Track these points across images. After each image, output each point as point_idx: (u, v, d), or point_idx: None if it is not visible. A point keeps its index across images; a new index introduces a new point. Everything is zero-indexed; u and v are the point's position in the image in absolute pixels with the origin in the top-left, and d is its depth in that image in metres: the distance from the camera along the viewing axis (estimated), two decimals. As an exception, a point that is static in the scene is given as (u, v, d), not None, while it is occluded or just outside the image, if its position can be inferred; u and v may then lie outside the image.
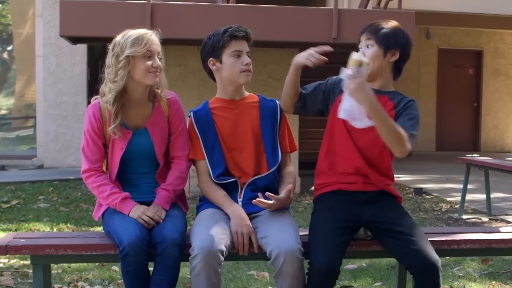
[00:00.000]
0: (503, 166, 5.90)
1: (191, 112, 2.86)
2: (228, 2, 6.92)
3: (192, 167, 2.86)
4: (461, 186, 6.64)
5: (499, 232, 3.07)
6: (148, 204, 2.70)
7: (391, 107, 2.66)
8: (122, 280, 2.62)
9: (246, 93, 2.89)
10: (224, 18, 6.25)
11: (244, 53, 2.76)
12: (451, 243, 2.82)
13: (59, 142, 10.37)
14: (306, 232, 2.74)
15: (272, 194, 2.63)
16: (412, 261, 2.47)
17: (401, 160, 2.71)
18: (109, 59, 2.71)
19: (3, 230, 5.33)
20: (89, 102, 2.87)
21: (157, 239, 2.53)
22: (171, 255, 2.50)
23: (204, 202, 2.81)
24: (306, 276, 2.49)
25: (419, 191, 7.80)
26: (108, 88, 2.70)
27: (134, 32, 2.70)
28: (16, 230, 5.39)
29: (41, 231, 5.35)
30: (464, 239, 2.86)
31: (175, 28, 6.28)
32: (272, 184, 2.79)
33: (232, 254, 2.59)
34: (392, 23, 2.74)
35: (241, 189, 2.76)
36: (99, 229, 4.81)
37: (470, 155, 7.93)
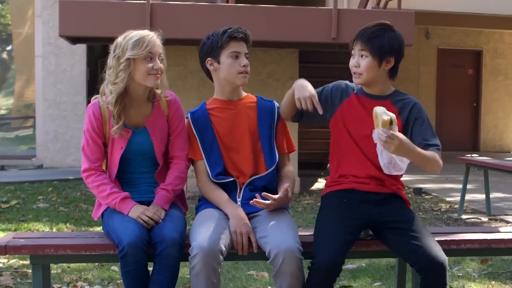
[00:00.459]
0: (502, 166, 5.90)
1: (189, 113, 2.87)
2: (227, 2, 6.92)
3: (192, 167, 2.86)
4: (460, 186, 6.63)
5: (499, 232, 3.07)
6: (148, 203, 2.70)
7: (396, 113, 2.59)
8: (122, 280, 2.61)
9: (244, 94, 2.90)
10: (223, 18, 6.25)
11: (242, 54, 2.77)
12: (450, 243, 2.82)
13: (59, 142, 10.37)
14: (306, 232, 2.75)
15: (269, 194, 2.63)
16: (418, 258, 2.47)
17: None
18: (110, 61, 2.71)
19: (3, 230, 5.33)
20: (88, 102, 2.87)
21: (157, 239, 2.53)
22: (171, 255, 2.50)
23: (203, 202, 2.82)
24: (306, 274, 2.49)
25: (419, 191, 7.81)
26: (109, 90, 2.70)
27: (135, 34, 2.69)
28: (15, 230, 5.39)
29: (40, 231, 5.35)
30: (464, 239, 2.86)
31: (174, 28, 6.28)
32: (271, 184, 2.80)
33: (232, 254, 2.59)
34: (384, 27, 2.65)
35: (240, 189, 2.76)
36: (99, 229, 4.80)
37: (470, 155, 7.93)
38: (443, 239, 2.83)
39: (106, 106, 2.73)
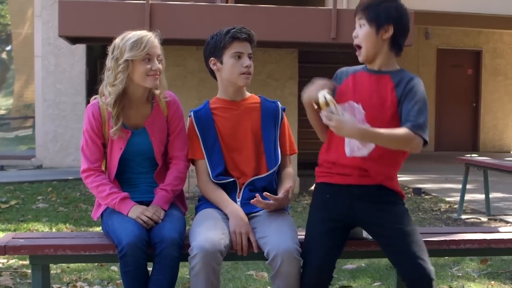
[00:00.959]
0: (502, 166, 5.90)
1: (192, 112, 2.86)
2: (226, 2, 6.92)
3: (191, 167, 2.86)
4: (460, 186, 6.63)
5: (498, 232, 3.07)
6: (147, 204, 2.70)
7: (392, 87, 2.53)
8: (121, 280, 2.61)
9: (248, 94, 2.89)
10: (223, 18, 6.25)
11: (245, 55, 2.75)
12: (450, 243, 2.82)
13: (58, 142, 10.36)
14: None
15: (270, 194, 2.62)
16: (406, 271, 2.44)
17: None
18: (109, 62, 2.70)
19: (2, 230, 5.33)
20: (88, 102, 2.87)
21: (156, 239, 2.53)
22: (170, 255, 2.50)
23: (203, 202, 2.81)
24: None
25: (418, 191, 7.81)
26: (108, 92, 2.70)
27: (133, 35, 2.69)
28: (15, 230, 5.39)
29: (40, 231, 5.35)
30: (463, 239, 2.86)
31: (174, 28, 6.28)
32: (270, 185, 2.79)
33: (231, 254, 2.59)
34: None
35: (240, 189, 2.76)
36: (98, 229, 4.79)
37: (469, 155, 7.93)
38: (442, 239, 2.83)
39: (106, 106, 2.73)
